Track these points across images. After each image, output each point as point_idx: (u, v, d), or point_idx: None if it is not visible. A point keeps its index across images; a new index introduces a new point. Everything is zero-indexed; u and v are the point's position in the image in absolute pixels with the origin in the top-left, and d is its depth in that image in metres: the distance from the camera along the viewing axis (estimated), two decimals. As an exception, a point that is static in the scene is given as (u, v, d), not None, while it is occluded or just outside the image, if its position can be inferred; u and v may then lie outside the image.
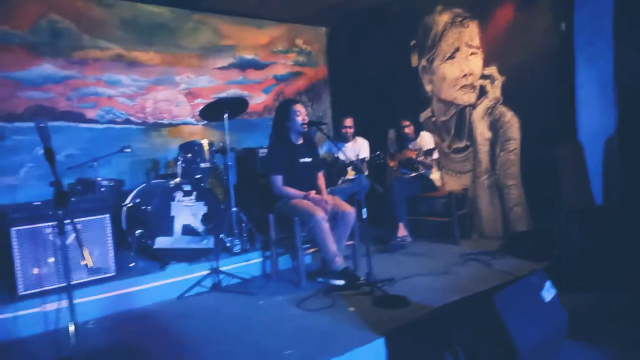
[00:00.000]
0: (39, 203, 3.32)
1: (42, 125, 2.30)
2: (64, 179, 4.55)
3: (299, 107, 3.97)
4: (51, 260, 3.14)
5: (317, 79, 6.96)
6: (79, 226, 3.23)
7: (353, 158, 4.99)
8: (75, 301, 2.17)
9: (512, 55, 4.80)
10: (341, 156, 4.92)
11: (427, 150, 4.86)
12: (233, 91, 6.06)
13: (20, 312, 2.98)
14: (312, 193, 3.86)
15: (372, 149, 5.30)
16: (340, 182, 5.25)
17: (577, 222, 3.89)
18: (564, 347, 2.61)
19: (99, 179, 4.33)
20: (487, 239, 5.02)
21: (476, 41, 5.14)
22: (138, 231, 3.86)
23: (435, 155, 4.96)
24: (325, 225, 3.63)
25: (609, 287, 3.29)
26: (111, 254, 3.46)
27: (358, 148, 5.36)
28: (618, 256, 3.44)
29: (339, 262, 3.65)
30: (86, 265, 2.14)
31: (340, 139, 5.44)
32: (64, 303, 2.15)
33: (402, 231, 4.76)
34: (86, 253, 2.13)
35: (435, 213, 5.33)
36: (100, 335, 2.94)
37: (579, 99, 4.38)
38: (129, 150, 4.50)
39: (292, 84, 6.69)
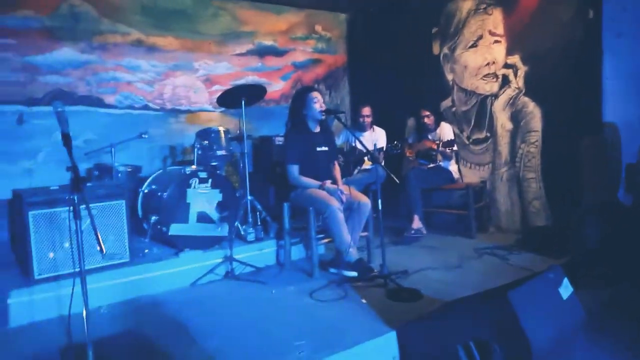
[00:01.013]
0: (56, 187, 3.36)
1: (60, 109, 2.29)
2: (81, 163, 4.60)
3: (317, 95, 3.92)
4: (67, 244, 3.17)
5: (336, 67, 6.89)
6: (94, 211, 3.26)
7: (370, 148, 4.94)
8: (89, 287, 2.18)
9: (536, 44, 4.67)
10: (358, 145, 4.87)
11: (447, 141, 4.77)
12: (251, 78, 6.04)
13: (35, 296, 3.02)
14: (328, 183, 3.83)
15: (390, 139, 5.24)
16: (356, 172, 5.21)
17: (595, 218, 3.80)
18: (579, 343, 2.56)
19: (116, 164, 4.36)
20: (504, 233, 4.94)
21: (500, 29, 5.02)
22: (153, 217, 3.88)
23: (455, 147, 4.88)
24: (340, 216, 3.60)
25: (626, 283, 3.22)
26: (126, 240, 3.47)
27: (375, 137, 5.30)
28: (634, 254, 3.35)
29: (353, 253, 3.63)
30: (100, 251, 2.14)
31: (358, 128, 5.38)
32: (78, 288, 2.16)
33: (416, 223, 4.71)
34: (100, 239, 2.13)
35: (451, 205, 5.26)
36: (113, 321, 2.97)
37: (605, 91, 4.26)
38: (147, 136, 4.52)
39: (311, 71, 6.63)
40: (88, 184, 3.47)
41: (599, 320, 2.77)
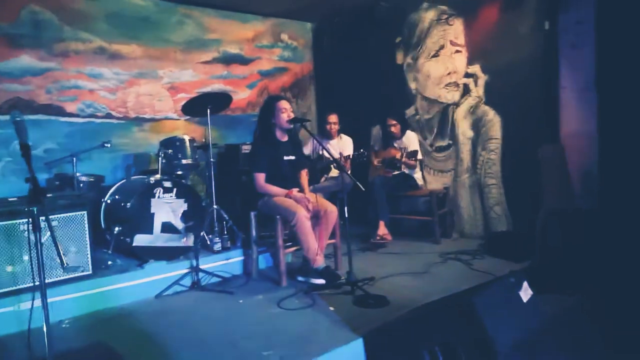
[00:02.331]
0: (14, 199, 3.27)
1: (18, 119, 2.23)
2: (41, 174, 4.48)
3: (285, 104, 3.93)
4: (26, 258, 3.08)
5: (302, 75, 6.92)
6: (54, 223, 3.19)
7: (337, 156, 4.97)
8: (51, 300, 2.13)
9: (496, 55, 4.82)
10: (325, 154, 4.90)
11: (411, 151, 4.86)
12: (217, 86, 6.01)
13: (-6, 311, 2.93)
14: (295, 191, 3.84)
15: (357, 146, 5.29)
16: (323, 179, 5.25)
17: (554, 223, 3.93)
18: (542, 347, 2.63)
19: (77, 174, 4.26)
20: (467, 238, 5.05)
21: (461, 39, 5.15)
22: (117, 228, 3.81)
23: (419, 156, 4.97)
24: (307, 224, 3.61)
25: (586, 288, 3.33)
26: (88, 251, 3.41)
27: (342, 145, 5.35)
28: (595, 258, 3.48)
29: (320, 261, 3.65)
30: (61, 263, 2.09)
31: (325, 135, 5.42)
32: (38, 302, 2.10)
33: (382, 229, 4.77)
34: (61, 252, 2.08)
35: (416, 212, 5.35)
36: (75, 335, 2.90)
37: (561, 100, 4.42)
38: (109, 145, 4.43)
39: (277, 80, 6.64)
40: (48, 195, 3.38)
41: (560, 323, 2.86)
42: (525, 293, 2.68)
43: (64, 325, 3.05)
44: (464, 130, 5.15)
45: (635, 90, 3.79)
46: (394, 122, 5.19)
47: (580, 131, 4.35)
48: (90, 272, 3.40)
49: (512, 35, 4.66)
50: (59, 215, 3.28)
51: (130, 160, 5.29)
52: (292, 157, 3.99)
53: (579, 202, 4.27)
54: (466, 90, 5.12)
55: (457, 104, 5.22)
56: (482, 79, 4.96)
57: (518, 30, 4.62)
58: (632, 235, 3.55)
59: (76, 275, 3.31)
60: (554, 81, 4.45)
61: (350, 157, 5.01)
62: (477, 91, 5.00)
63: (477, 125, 5.03)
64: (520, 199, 4.68)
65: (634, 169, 3.81)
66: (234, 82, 6.19)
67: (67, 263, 3.14)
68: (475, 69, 5.02)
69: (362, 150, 4.67)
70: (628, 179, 3.86)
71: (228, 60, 6.16)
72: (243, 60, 6.31)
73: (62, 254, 2.13)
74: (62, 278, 3.24)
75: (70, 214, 3.35)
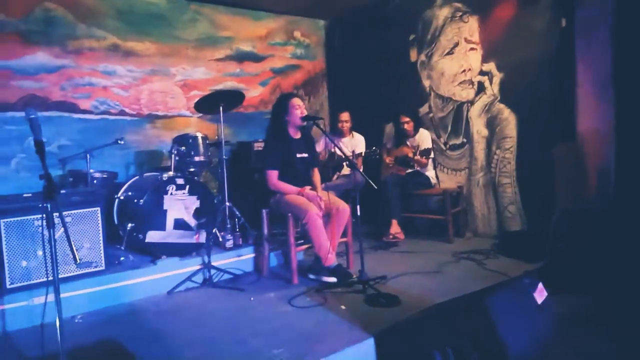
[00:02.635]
0: (29, 195, 3.28)
1: (32, 116, 2.24)
2: (55, 170, 4.53)
3: (298, 102, 3.92)
4: (40, 253, 3.11)
5: (314, 72, 6.91)
6: (68, 219, 3.21)
7: (349, 154, 4.96)
8: (64, 295, 2.14)
9: (511, 52, 4.76)
10: (337, 152, 4.89)
11: (424, 149, 4.82)
12: (229, 83, 6.01)
13: (7, 306, 2.95)
14: (307, 189, 3.83)
15: (369, 144, 5.27)
16: (335, 177, 5.23)
17: (568, 224, 3.87)
18: (556, 349, 2.59)
19: (91, 171, 4.29)
20: (480, 237, 5.00)
21: (475, 36, 5.10)
22: (129, 225, 3.83)
23: (432, 154, 4.93)
24: (319, 222, 3.60)
25: (601, 289, 3.28)
26: (101, 247, 3.43)
27: (355, 143, 5.33)
28: (610, 258, 3.42)
29: (332, 259, 3.63)
30: (74, 259, 2.09)
31: (337, 133, 5.40)
32: (51, 297, 2.11)
33: (395, 228, 4.74)
34: (74, 247, 2.09)
35: (429, 210, 5.31)
36: (87, 330, 2.92)
37: (577, 98, 4.35)
38: (123, 142, 4.46)
39: (290, 77, 6.63)
40: (62, 191, 3.41)
41: (574, 325, 2.81)
42: (540, 295, 2.64)
43: (76, 321, 3.07)
44: (479, 128, 5.10)
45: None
46: (407, 119, 5.16)
47: (597, 129, 4.27)
48: (103, 267, 3.42)
49: (527, 32, 4.60)
50: (72, 212, 3.30)
51: (143, 157, 5.32)
52: (305, 155, 3.97)
53: (594, 202, 4.21)
54: (481, 88, 5.06)
55: (471, 102, 5.17)
56: (497, 76, 4.90)
57: (533, 28, 4.56)
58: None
59: (89, 270, 3.34)
60: (569, 79, 4.36)
61: (362, 154, 4.98)
62: (492, 89, 4.95)
63: (492, 123, 4.97)
64: (534, 199, 4.62)
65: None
66: (247, 80, 6.20)
67: (80, 259, 3.17)
68: (490, 66, 4.96)
69: (374, 148, 4.64)
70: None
71: (241, 57, 6.17)
72: (256, 58, 6.31)
73: (75, 249, 2.13)
74: (75, 273, 3.27)
75: (84, 210, 3.38)
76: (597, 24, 4.16)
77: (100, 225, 3.44)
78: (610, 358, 2.55)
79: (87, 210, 3.40)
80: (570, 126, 4.38)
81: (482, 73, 5.05)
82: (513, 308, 2.42)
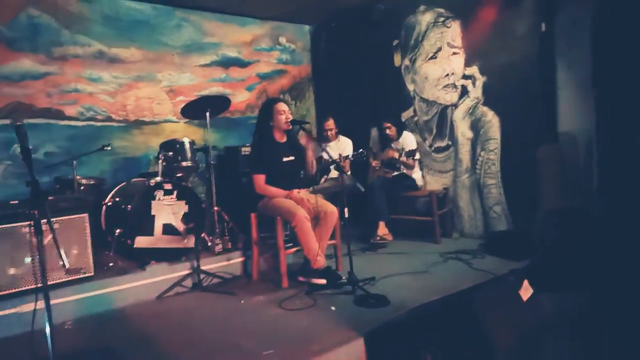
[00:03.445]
0: (16, 202, 3.27)
1: (19, 124, 2.25)
2: (42, 177, 4.49)
3: (283, 106, 3.96)
4: (28, 260, 3.09)
5: (300, 78, 6.95)
6: (56, 226, 3.20)
7: (336, 157, 4.99)
8: (53, 302, 2.14)
9: (493, 56, 4.84)
10: (324, 155, 4.92)
11: (409, 151, 4.88)
12: (216, 89, 6.02)
13: (-4, 313, 2.94)
14: (295, 192, 3.85)
15: (356, 147, 5.31)
16: (323, 180, 5.26)
17: (553, 223, 3.94)
18: (542, 346, 2.64)
19: (78, 177, 4.27)
20: (467, 237, 5.06)
21: (458, 41, 5.17)
22: (118, 230, 3.82)
23: (417, 155, 4.99)
24: (308, 225, 3.62)
25: (586, 287, 3.34)
26: (90, 253, 3.42)
27: (341, 147, 5.37)
28: (595, 257, 3.49)
29: (321, 262, 3.65)
30: (63, 265, 2.10)
31: (323, 139, 5.45)
32: (41, 304, 2.11)
33: (382, 230, 4.79)
34: (63, 254, 2.09)
35: (416, 212, 5.36)
36: (77, 336, 2.91)
37: (559, 100, 4.44)
38: (109, 148, 4.45)
39: (276, 82, 6.67)
40: (49, 198, 3.40)
41: (561, 321, 2.86)
42: (526, 292, 2.69)
43: (66, 327, 3.06)
44: (463, 131, 5.18)
45: (632, 89, 3.81)
46: (389, 124, 5.23)
47: (578, 130, 4.37)
48: (92, 273, 3.41)
49: (509, 36, 4.69)
50: (60, 218, 3.29)
51: (130, 163, 5.30)
52: (292, 158, 4.00)
53: (577, 201, 4.29)
54: (464, 92, 5.14)
55: (455, 105, 5.24)
56: (480, 80, 4.98)
57: (515, 32, 4.64)
58: (630, 233, 3.56)
59: (78, 277, 3.32)
60: (551, 81, 4.47)
61: (350, 157, 5.02)
62: (476, 92, 5.03)
63: (476, 125, 5.05)
64: (519, 199, 4.69)
65: (632, 167, 3.83)
66: (233, 85, 6.22)
67: (68, 265, 3.16)
68: (473, 70, 5.04)
69: (361, 150, 4.69)
70: (627, 177, 3.88)
71: (227, 63, 6.19)
72: (242, 64, 6.33)
73: (63, 256, 2.14)
74: (64, 280, 3.25)
75: (72, 216, 3.37)
76: (577, 28, 4.26)
77: (88, 231, 3.43)
78: (597, 353, 2.61)
79: (75, 216, 3.39)
80: (553, 127, 4.47)
81: (465, 77, 5.12)
82: (499, 304, 2.47)
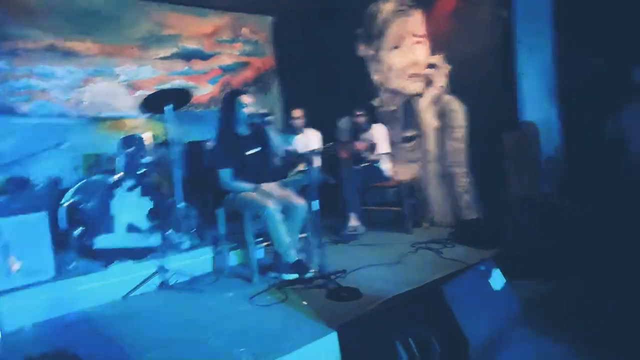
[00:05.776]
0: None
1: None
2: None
3: (245, 99, 3.86)
4: (-19, 265, 2.92)
5: (265, 69, 6.83)
6: (10, 227, 3.03)
7: (303, 150, 4.93)
8: (10, 305, 2.01)
9: (457, 45, 4.84)
10: (291, 148, 4.85)
11: (371, 144, 4.88)
12: (177, 82, 5.85)
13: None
14: (262, 185, 3.77)
15: (325, 140, 5.26)
16: (291, 174, 5.18)
17: (521, 210, 3.98)
18: (516, 336, 2.65)
19: (33, 176, 4.08)
20: (438, 227, 5.08)
21: (420, 30, 5.16)
22: (78, 230, 3.66)
23: (385, 149, 4.97)
24: (277, 218, 3.54)
25: (556, 275, 3.38)
26: (49, 254, 3.26)
27: (308, 139, 5.30)
28: (562, 245, 3.53)
29: (292, 255, 3.59)
30: (10, 269, 1.97)
31: (290, 130, 5.37)
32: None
33: (354, 221, 4.76)
34: (12, 258, 1.97)
35: (386, 202, 5.35)
36: (38, 341, 2.76)
37: (520, 89, 4.47)
38: (65, 145, 4.24)
39: (240, 75, 6.53)
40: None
41: (534, 312, 2.88)
42: (496, 281, 2.68)
43: (25, 332, 2.90)
44: (429, 120, 5.18)
45: (594, 74, 3.87)
46: (360, 113, 5.21)
47: (541, 118, 4.42)
48: (53, 275, 3.25)
49: (471, 25, 4.69)
50: (14, 219, 3.11)
51: (89, 161, 5.08)
52: (258, 149, 3.91)
53: (543, 187, 4.35)
54: (429, 81, 5.13)
55: (420, 95, 5.24)
56: (445, 69, 4.98)
57: (478, 19, 4.65)
58: (593, 219, 3.62)
59: (37, 279, 3.16)
60: (513, 69, 4.49)
61: (319, 151, 4.98)
62: (440, 81, 5.03)
63: (442, 114, 5.06)
64: (488, 186, 4.72)
65: (595, 153, 3.90)
66: (195, 78, 6.06)
67: (19, 268, 3.00)
68: (437, 59, 5.04)
69: (330, 143, 4.65)
70: (590, 163, 3.95)
71: (188, 55, 6.02)
72: (203, 56, 6.18)
73: (12, 259, 2.01)
74: (22, 283, 3.07)
75: (27, 216, 3.20)
76: (537, 12, 4.28)
77: (47, 231, 3.27)
78: (571, 340, 2.63)
79: (31, 216, 3.22)
80: (514, 116, 4.50)
81: (429, 66, 5.11)
82: (469, 294, 2.45)
